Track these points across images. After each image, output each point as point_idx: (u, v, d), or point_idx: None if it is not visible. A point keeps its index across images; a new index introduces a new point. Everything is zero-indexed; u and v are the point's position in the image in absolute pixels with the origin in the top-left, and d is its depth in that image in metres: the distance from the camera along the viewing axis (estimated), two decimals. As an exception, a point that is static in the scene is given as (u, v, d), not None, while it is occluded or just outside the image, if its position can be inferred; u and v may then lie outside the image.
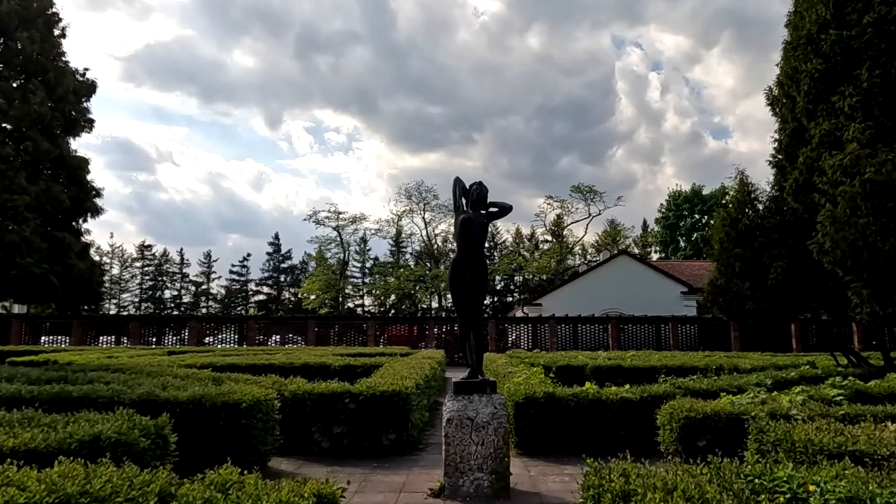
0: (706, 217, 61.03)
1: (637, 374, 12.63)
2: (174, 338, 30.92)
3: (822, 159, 12.16)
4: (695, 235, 60.09)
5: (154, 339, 30.80)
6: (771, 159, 15.27)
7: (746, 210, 15.05)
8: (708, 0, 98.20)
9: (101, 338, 30.88)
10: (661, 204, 65.32)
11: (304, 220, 66.16)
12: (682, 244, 60.36)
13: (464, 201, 6.69)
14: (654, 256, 59.97)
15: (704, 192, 61.57)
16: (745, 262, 14.20)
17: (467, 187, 6.69)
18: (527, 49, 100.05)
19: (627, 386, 7.99)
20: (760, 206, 15.30)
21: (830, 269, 12.08)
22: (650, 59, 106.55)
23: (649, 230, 68.26)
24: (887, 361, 13.15)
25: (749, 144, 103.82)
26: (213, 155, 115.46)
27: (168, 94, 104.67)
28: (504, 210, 6.65)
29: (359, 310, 67.97)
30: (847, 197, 10.99)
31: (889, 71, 11.14)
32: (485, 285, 6.48)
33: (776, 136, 15.02)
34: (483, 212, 6.62)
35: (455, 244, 6.68)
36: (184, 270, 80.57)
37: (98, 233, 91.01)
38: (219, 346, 29.35)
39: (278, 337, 32.06)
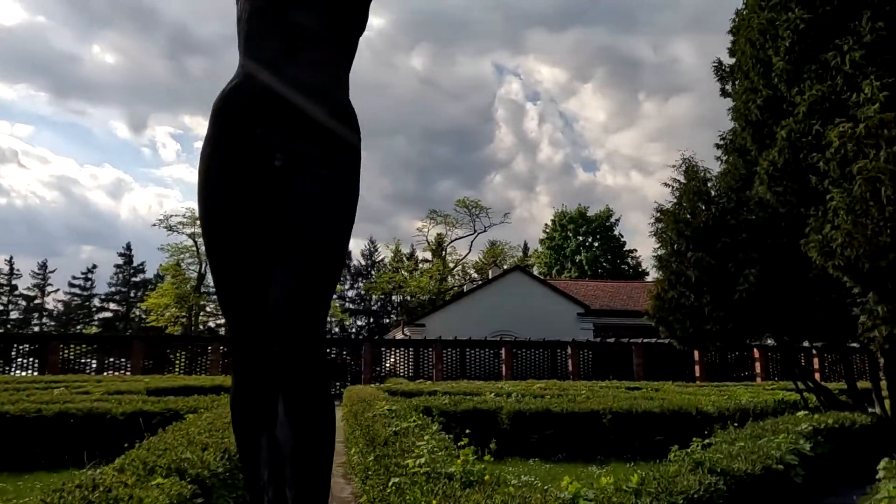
0: (591, 239, 60.07)
1: (574, 422, 8.60)
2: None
3: (812, 132, 8.89)
4: (578, 257, 58.87)
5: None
6: (723, 143, 11.95)
7: (699, 206, 11.52)
8: (588, 36, 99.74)
9: None
10: (546, 224, 63.98)
11: (153, 225, 58.09)
12: (568, 266, 58.81)
13: None
14: (538, 278, 58.00)
15: (589, 214, 60.72)
16: (704, 271, 10.60)
17: None
18: (411, 69, 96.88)
19: (646, 477, 3.91)
20: (723, 201, 11.79)
21: (836, 275, 8.72)
22: (529, 88, 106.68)
23: (530, 252, 66.80)
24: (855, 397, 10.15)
25: (615, 179, 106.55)
26: (64, 158, 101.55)
27: (11, 87, 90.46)
28: None
29: (221, 330, 60.88)
30: (867, 178, 7.79)
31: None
32: (350, 176, 1.93)
33: (736, 112, 11.70)
34: None
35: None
36: (13, 282, 69.32)
37: None
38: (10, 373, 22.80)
39: (95, 362, 25.55)
